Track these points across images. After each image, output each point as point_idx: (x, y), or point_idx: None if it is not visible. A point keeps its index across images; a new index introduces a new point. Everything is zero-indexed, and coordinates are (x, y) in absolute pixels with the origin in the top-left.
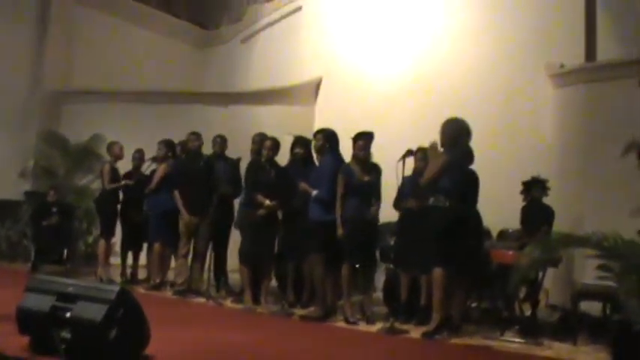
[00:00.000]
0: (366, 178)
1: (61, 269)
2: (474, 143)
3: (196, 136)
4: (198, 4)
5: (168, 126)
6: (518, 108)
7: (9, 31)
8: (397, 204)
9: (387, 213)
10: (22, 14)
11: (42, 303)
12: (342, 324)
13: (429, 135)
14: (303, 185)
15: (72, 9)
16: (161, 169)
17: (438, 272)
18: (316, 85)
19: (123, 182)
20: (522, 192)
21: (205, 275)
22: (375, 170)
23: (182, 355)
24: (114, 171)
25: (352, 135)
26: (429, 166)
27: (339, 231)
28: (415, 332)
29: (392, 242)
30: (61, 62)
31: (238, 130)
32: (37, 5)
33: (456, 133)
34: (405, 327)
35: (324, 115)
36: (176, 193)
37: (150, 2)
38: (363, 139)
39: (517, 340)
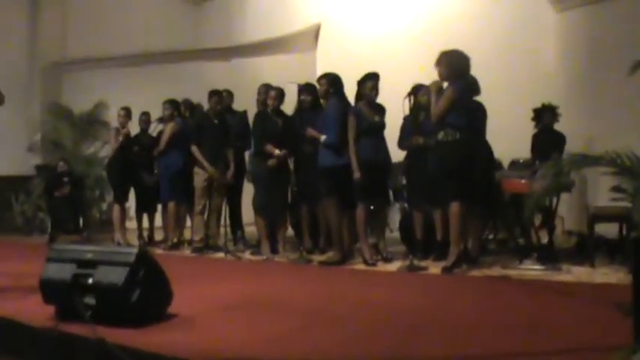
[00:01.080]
0: (377, 119)
1: (79, 238)
2: (480, 75)
3: (217, 95)
4: None
5: (171, 85)
6: (521, 36)
7: (1, 6)
8: (401, 142)
9: (398, 152)
10: None
11: (63, 272)
12: (361, 266)
13: (432, 74)
14: (310, 131)
15: None
16: (168, 129)
17: (454, 206)
18: (315, 32)
19: (134, 148)
20: (533, 119)
21: (222, 230)
22: (382, 111)
23: (206, 310)
24: (122, 136)
25: (355, 78)
26: (437, 101)
27: (356, 173)
28: (434, 268)
29: (404, 181)
30: (57, 32)
31: (241, 83)
32: None
33: (459, 64)
34: (423, 264)
35: (325, 61)
36: (195, 149)
37: None
38: (371, 80)
39: (536, 267)
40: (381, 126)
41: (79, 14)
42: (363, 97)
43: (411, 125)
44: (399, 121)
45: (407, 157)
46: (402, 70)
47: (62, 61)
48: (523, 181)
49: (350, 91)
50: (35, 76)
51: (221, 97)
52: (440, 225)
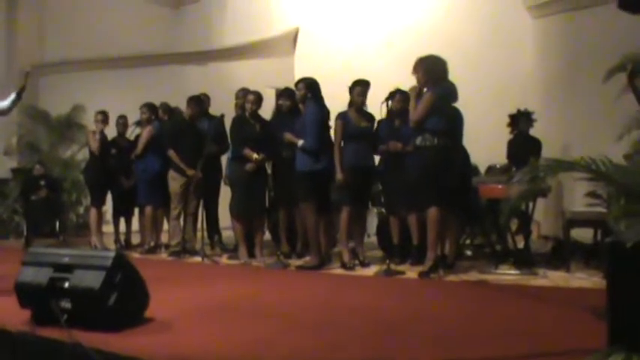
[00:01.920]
0: (364, 124)
1: (55, 241)
2: (456, 81)
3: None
4: None
5: (148, 89)
6: (499, 42)
7: None
8: (375, 147)
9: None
10: None
11: (40, 276)
12: (338, 271)
13: (409, 80)
14: (288, 136)
15: None
16: (146, 132)
17: (432, 211)
18: (293, 36)
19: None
20: (509, 125)
21: (199, 234)
22: (370, 118)
23: (182, 314)
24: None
25: (333, 83)
26: (416, 105)
27: (338, 176)
28: (411, 272)
29: (380, 187)
30: (34, 35)
31: (218, 87)
32: None
33: (436, 69)
34: (400, 268)
35: (303, 66)
36: (172, 153)
37: None
38: (360, 86)
39: (512, 272)
40: (368, 132)
41: (56, 17)
42: (352, 102)
43: (387, 130)
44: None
45: (382, 162)
46: (380, 76)
47: (39, 64)
48: (500, 186)
49: (327, 96)
50: (12, 79)
51: (200, 103)
52: (416, 230)
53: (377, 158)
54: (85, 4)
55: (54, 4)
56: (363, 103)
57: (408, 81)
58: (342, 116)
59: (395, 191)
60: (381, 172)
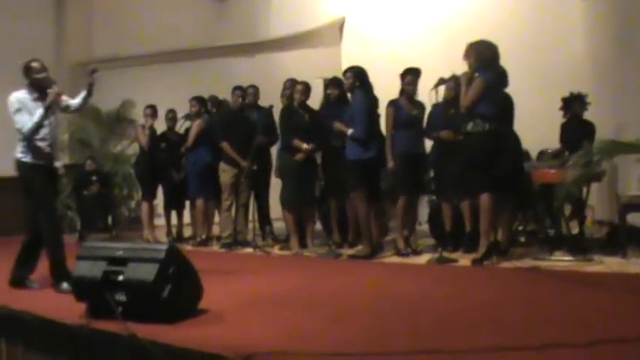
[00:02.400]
0: (415, 112)
1: (108, 236)
2: (507, 65)
3: (240, 90)
4: None
5: (197, 82)
6: (548, 25)
7: (26, 7)
8: (428, 133)
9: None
10: None
11: (94, 269)
12: (390, 259)
13: (458, 66)
14: (337, 125)
15: None
16: (196, 125)
17: (484, 198)
18: (340, 26)
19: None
20: (561, 108)
21: (250, 225)
22: (421, 106)
23: (235, 305)
24: (150, 133)
25: (380, 71)
26: (467, 91)
27: (390, 164)
28: (464, 260)
29: (432, 174)
30: (83, 32)
31: (266, 79)
32: None
33: (487, 53)
34: (453, 256)
35: (350, 55)
36: (226, 145)
37: None
38: (411, 75)
39: (567, 258)
40: (420, 120)
41: (104, 14)
42: (403, 90)
43: (439, 117)
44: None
45: (435, 149)
46: (428, 63)
47: (88, 61)
48: (553, 171)
49: (375, 84)
50: (62, 77)
51: (244, 92)
52: (468, 217)
53: (428, 146)
54: (132, 0)
55: (101, 1)
56: (414, 91)
57: (456, 67)
58: (393, 104)
59: (447, 178)
60: (433, 160)
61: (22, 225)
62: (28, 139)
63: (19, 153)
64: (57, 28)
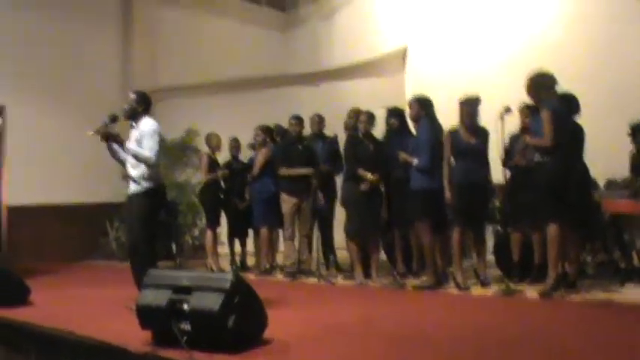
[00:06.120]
0: (473, 141)
1: (172, 264)
2: (575, 92)
3: (298, 120)
4: None
5: (260, 111)
6: (618, 49)
7: (94, 37)
8: (505, 162)
9: (495, 174)
10: (106, 17)
11: (159, 297)
12: (455, 290)
13: (523, 94)
14: (402, 155)
15: (153, 7)
16: (261, 154)
17: (552, 228)
18: (403, 54)
19: (220, 172)
20: (630, 135)
21: (314, 255)
22: (482, 134)
23: (300, 335)
24: (212, 162)
25: (444, 100)
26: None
27: (447, 195)
28: (531, 291)
29: (497, 203)
30: (148, 60)
31: (330, 108)
32: (119, 7)
33: (544, 84)
34: (519, 287)
35: (413, 84)
36: (284, 170)
37: None
38: (469, 103)
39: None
40: (478, 149)
41: (169, 43)
42: (461, 119)
43: (515, 145)
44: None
45: (510, 178)
46: (492, 91)
47: (153, 89)
48: (624, 201)
49: (440, 113)
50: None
51: (301, 121)
52: (539, 247)
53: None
54: (197, 29)
55: (167, 29)
56: (473, 119)
57: (523, 95)
58: (450, 133)
59: (519, 207)
60: (506, 189)
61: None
62: (155, 165)
63: (148, 181)
64: (123, 56)
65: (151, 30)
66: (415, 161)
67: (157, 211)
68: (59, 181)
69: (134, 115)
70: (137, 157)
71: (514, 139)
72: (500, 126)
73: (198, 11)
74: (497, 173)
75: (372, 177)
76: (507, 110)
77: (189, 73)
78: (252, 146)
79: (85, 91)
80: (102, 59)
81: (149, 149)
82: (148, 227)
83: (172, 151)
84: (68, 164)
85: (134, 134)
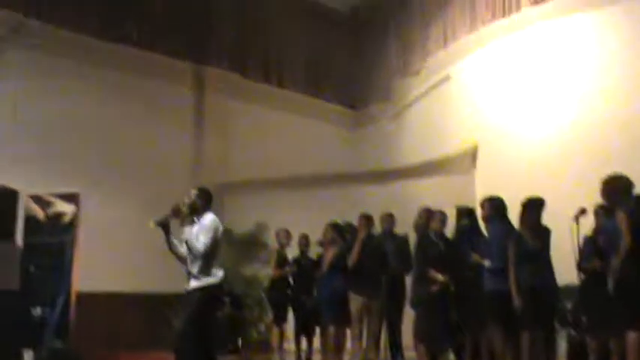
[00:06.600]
0: (537, 243)
1: (238, 358)
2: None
3: (367, 218)
4: (345, 86)
5: (330, 208)
6: None
7: (168, 131)
8: (580, 264)
9: (562, 275)
10: (180, 111)
11: None
12: None
13: (594, 196)
14: (475, 256)
15: (225, 103)
16: (330, 252)
17: (631, 336)
18: (472, 153)
19: (288, 268)
20: None
21: (382, 355)
22: (546, 234)
23: None
24: (281, 258)
25: (514, 200)
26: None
27: (515, 300)
28: None
29: (569, 306)
30: (220, 155)
31: (399, 206)
32: (193, 101)
33: (620, 188)
34: None
35: (483, 183)
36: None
37: (299, 89)
38: (533, 204)
39: None
40: (543, 251)
41: (241, 137)
42: (525, 220)
43: (589, 247)
44: (562, 243)
45: (584, 280)
46: (565, 191)
47: (224, 183)
48: None
49: (514, 214)
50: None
51: (368, 220)
52: (617, 355)
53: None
54: (267, 124)
55: (239, 124)
56: (537, 221)
57: (595, 196)
58: (513, 236)
59: (594, 312)
60: (580, 292)
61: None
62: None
63: (205, 277)
64: (194, 150)
65: (222, 125)
66: (487, 263)
67: (210, 309)
68: (128, 270)
69: (195, 210)
70: (191, 249)
71: (588, 240)
72: (574, 227)
73: (269, 107)
74: (567, 273)
75: (442, 278)
76: (582, 212)
77: (260, 167)
78: (322, 243)
79: (157, 182)
80: (174, 152)
81: (202, 243)
82: (196, 325)
83: (241, 245)
84: (137, 253)
85: (194, 229)
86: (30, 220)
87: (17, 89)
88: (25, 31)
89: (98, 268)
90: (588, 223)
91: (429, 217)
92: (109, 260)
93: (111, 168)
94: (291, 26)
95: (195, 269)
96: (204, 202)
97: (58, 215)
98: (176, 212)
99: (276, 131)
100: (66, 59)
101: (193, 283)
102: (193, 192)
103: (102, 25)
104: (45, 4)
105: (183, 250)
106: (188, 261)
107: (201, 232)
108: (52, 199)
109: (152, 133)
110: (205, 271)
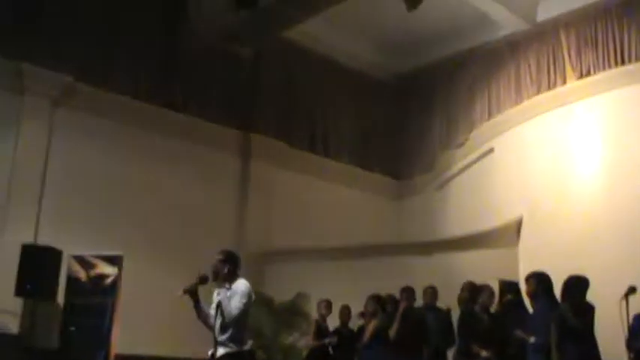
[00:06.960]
0: (581, 322)
1: None
2: None
3: (408, 292)
4: (390, 156)
5: (373, 279)
6: None
7: (212, 197)
8: (630, 343)
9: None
10: (225, 177)
11: None
12: None
13: None
14: (519, 332)
15: (270, 171)
16: (372, 324)
17: None
18: (517, 226)
19: (328, 339)
20: None
21: None
22: (590, 311)
23: None
24: (321, 328)
25: (559, 274)
26: None
27: None
28: None
29: None
30: (262, 223)
31: (442, 278)
32: (238, 167)
33: None
34: None
35: (527, 257)
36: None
37: (344, 159)
38: (577, 283)
39: None
40: (585, 329)
41: (285, 206)
42: (568, 298)
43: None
44: (610, 321)
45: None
46: (613, 266)
47: (266, 252)
48: None
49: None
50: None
51: (410, 293)
52: None
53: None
54: (312, 193)
55: (282, 193)
56: (581, 299)
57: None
58: (556, 314)
59: None
60: None
61: None
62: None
63: (235, 344)
64: (237, 217)
65: (267, 192)
66: (532, 339)
67: None
68: (167, 334)
69: (223, 276)
70: (223, 314)
71: (638, 319)
72: (624, 306)
73: (314, 176)
74: (616, 352)
75: (486, 354)
76: (632, 290)
77: (302, 236)
78: (363, 315)
79: (198, 248)
80: (218, 218)
81: (235, 307)
82: None
83: (281, 314)
84: (177, 318)
85: (228, 294)
86: (72, 280)
87: (67, 150)
88: (75, 94)
89: (137, 330)
90: (638, 301)
91: (473, 290)
92: (148, 323)
93: (154, 232)
94: (337, 96)
95: (224, 336)
96: (232, 266)
97: (100, 277)
98: (203, 280)
99: (320, 200)
100: (114, 122)
101: (221, 350)
102: (217, 257)
103: (151, 91)
104: (98, 69)
105: (212, 315)
106: (217, 328)
107: (233, 296)
108: (95, 261)
109: (197, 199)
110: (236, 338)
